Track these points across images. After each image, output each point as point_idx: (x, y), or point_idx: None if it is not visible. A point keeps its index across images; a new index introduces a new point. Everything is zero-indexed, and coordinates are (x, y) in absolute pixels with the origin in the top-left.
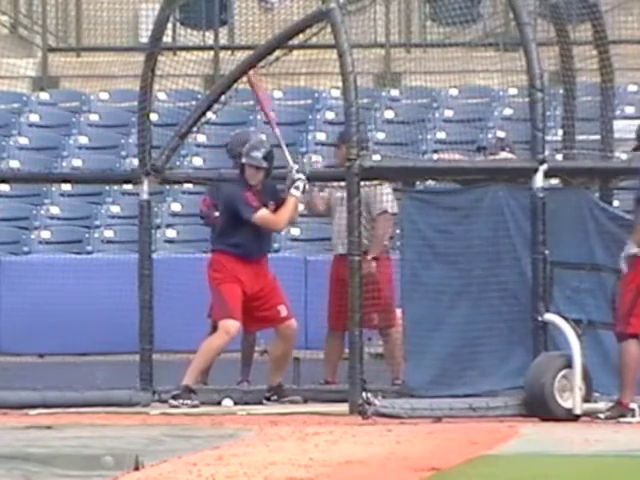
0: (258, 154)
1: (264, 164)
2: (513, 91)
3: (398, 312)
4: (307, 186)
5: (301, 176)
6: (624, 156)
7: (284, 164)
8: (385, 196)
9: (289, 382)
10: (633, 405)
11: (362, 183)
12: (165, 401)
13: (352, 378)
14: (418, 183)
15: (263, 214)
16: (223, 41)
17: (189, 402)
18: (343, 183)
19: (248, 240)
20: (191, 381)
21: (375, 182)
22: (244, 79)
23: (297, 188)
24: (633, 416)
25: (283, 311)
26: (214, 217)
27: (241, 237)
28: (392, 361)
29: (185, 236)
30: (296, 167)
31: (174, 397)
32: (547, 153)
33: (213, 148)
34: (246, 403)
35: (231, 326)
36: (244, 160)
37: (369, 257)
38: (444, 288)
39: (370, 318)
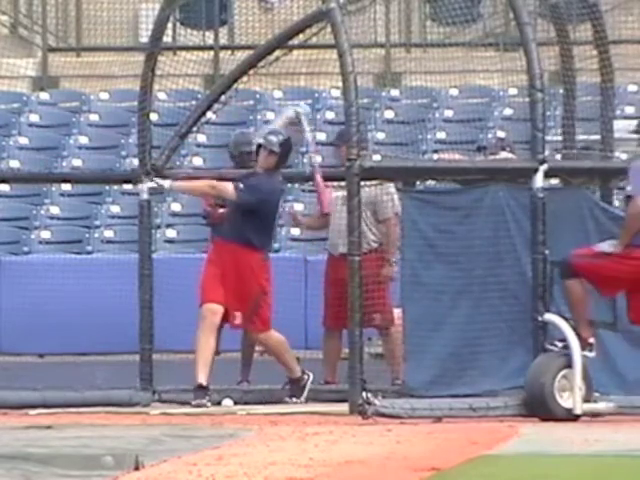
0: (274, 139)
1: (277, 149)
2: (513, 91)
3: (398, 312)
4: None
5: None
6: (624, 156)
7: None
8: (394, 197)
9: None
10: (592, 340)
11: (369, 183)
12: (165, 401)
13: (352, 378)
14: (418, 183)
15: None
16: (223, 41)
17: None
18: (343, 183)
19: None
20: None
21: (377, 182)
22: (244, 79)
23: None
24: (591, 351)
25: None
26: (218, 215)
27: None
28: (392, 361)
29: (185, 236)
30: None
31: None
32: (547, 153)
33: (213, 148)
34: (246, 403)
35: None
36: (260, 141)
37: (391, 261)
38: (444, 288)
39: (372, 318)
